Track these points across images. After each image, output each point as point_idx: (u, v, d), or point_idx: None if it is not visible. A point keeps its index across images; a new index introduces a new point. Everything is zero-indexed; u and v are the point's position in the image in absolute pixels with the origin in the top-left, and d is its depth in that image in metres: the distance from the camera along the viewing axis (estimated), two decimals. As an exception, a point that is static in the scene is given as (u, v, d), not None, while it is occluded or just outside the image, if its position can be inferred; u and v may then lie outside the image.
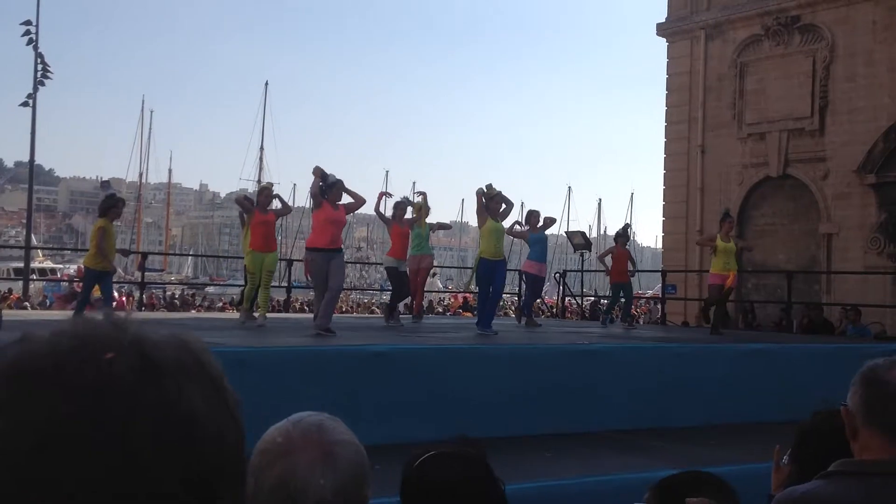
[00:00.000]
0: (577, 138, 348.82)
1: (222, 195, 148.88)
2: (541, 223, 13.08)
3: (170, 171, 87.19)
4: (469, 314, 20.78)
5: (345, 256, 10.59)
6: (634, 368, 8.65)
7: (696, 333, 14.01)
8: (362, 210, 11.39)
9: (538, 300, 17.98)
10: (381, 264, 17.05)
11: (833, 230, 19.30)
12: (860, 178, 18.67)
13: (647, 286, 55.39)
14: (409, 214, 12.59)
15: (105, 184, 10.60)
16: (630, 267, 14.18)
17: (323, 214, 9.83)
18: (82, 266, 11.02)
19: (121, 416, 0.67)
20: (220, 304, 28.56)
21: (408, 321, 12.31)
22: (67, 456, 0.65)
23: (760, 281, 20.49)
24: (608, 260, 13.89)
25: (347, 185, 10.01)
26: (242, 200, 11.22)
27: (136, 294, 21.45)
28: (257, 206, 10.89)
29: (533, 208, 13.34)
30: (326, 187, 9.87)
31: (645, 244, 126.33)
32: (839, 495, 2.19)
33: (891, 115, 18.19)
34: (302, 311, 21.23)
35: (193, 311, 21.53)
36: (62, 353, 0.69)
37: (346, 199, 10.06)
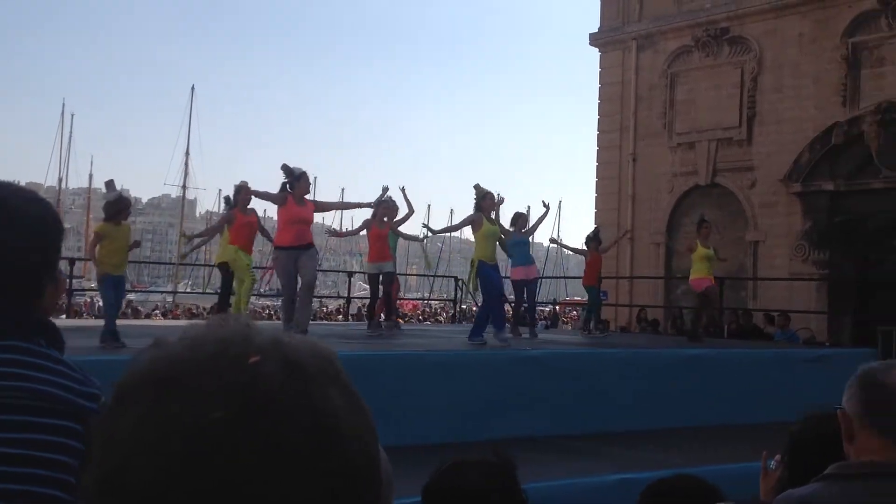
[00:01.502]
0: (506, 147, 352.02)
1: (144, 200, 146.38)
2: (526, 227, 12.60)
3: (90, 175, 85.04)
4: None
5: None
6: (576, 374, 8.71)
7: (629, 339, 14.16)
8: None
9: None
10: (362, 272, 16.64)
11: (760, 238, 19.73)
12: (786, 186, 19.12)
13: (576, 293, 56.14)
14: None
15: (110, 184, 9.70)
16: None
17: (286, 213, 9.34)
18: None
19: (272, 419, 0.64)
20: (153, 311, 28.06)
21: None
22: (219, 461, 0.62)
23: (689, 288, 20.81)
24: (576, 256, 13.80)
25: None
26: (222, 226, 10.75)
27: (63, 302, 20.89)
28: (237, 207, 10.46)
29: (520, 210, 12.72)
30: (294, 180, 9.34)
31: (570, 251, 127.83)
32: (838, 498, 2.19)
33: (816, 126, 18.68)
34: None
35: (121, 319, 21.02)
36: (204, 357, 0.67)
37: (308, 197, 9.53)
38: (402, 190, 11.83)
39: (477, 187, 10.46)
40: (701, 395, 9.27)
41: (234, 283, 10.52)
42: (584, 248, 13.91)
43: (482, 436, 7.14)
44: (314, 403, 0.67)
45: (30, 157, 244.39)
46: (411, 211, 11.64)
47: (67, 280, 15.51)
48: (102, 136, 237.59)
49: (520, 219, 12.45)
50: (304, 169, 9.43)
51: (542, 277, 13.63)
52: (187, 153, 72.84)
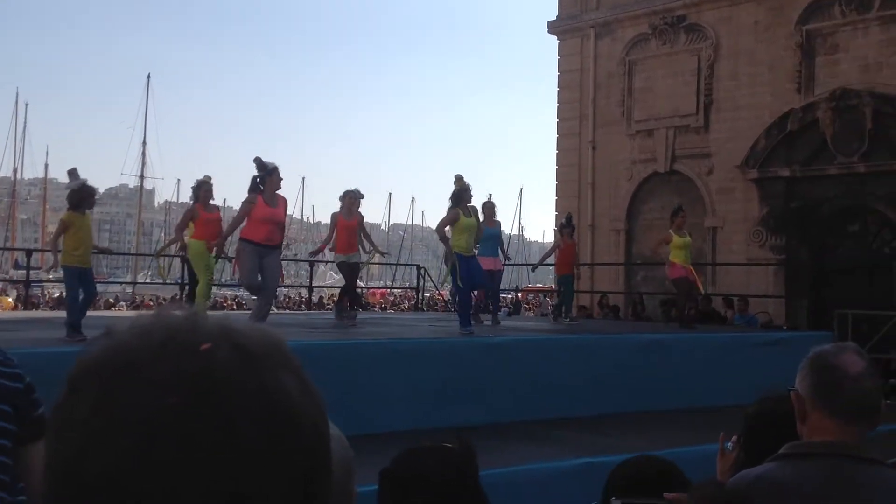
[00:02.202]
0: (467, 135, 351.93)
1: (101, 191, 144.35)
2: (496, 216, 12.61)
3: (46, 165, 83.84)
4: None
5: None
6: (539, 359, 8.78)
7: (591, 325, 14.28)
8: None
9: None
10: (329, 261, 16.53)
11: (718, 224, 19.95)
12: (743, 173, 19.34)
13: (536, 279, 56.36)
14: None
15: (73, 172, 9.35)
16: (577, 259, 14.04)
17: (258, 212, 8.97)
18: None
19: (227, 406, 0.65)
20: (111, 301, 27.76)
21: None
22: (175, 446, 0.63)
23: (648, 273, 21.02)
24: (552, 259, 13.81)
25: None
26: (186, 225, 10.65)
27: (17, 293, 20.65)
28: (199, 202, 10.29)
29: (488, 200, 12.69)
30: (266, 174, 9.00)
31: (533, 239, 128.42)
32: (792, 477, 2.25)
33: (772, 113, 18.90)
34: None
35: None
36: (155, 345, 0.67)
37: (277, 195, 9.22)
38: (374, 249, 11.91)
39: (458, 178, 10.41)
40: (660, 379, 9.39)
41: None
42: (558, 234, 13.89)
43: (445, 423, 7.18)
44: (266, 387, 0.67)
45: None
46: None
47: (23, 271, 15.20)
48: (58, 125, 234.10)
49: (487, 208, 12.44)
50: (276, 164, 9.13)
51: (506, 265, 13.74)
52: (144, 142, 72.19)
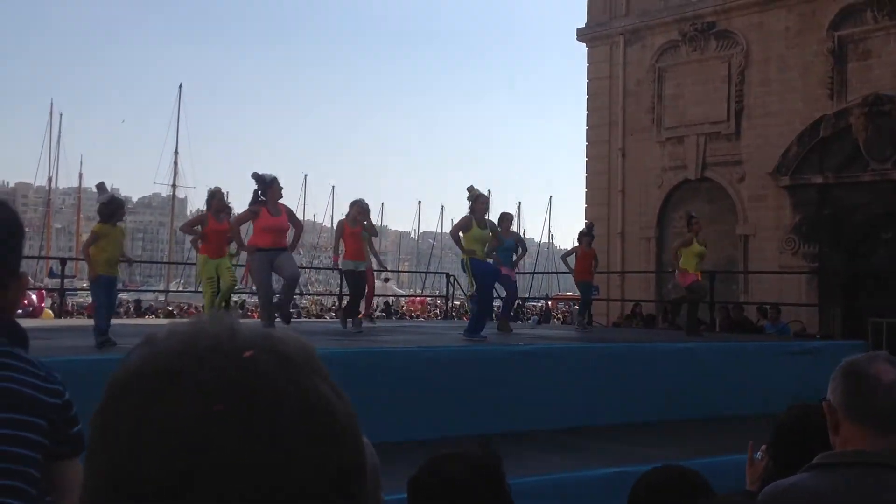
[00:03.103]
0: (497, 142, 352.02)
1: (134, 200, 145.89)
2: (512, 227, 12.75)
3: (80, 175, 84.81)
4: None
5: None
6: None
7: (620, 333, 14.21)
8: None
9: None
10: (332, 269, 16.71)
11: (749, 231, 19.80)
12: (775, 180, 19.19)
13: (566, 288, 56.18)
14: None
15: (101, 186, 9.83)
16: (594, 266, 14.19)
17: (262, 223, 9.48)
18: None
19: (272, 413, 0.66)
20: (152, 310, 28.03)
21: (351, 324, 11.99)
22: (223, 453, 0.64)
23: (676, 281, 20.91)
24: (571, 259, 13.96)
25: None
26: (192, 226, 10.92)
27: (51, 301, 20.86)
28: (210, 212, 10.58)
29: (506, 211, 12.88)
30: (265, 186, 9.46)
31: (562, 246, 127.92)
32: (825, 487, 2.23)
33: (804, 119, 18.75)
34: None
35: (115, 319, 21.02)
36: (199, 352, 0.68)
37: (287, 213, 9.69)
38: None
39: (470, 189, 10.46)
40: (690, 388, 9.32)
41: (220, 283, 10.57)
42: (576, 243, 14.04)
43: (471, 431, 7.17)
44: (308, 395, 0.69)
45: (19, 157, 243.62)
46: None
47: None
48: (92, 135, 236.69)
49: (504, 219, 12.56)
50: (274, 174, 9.58)
51: (535, 273, 14.14)
52: (176, 152, 72.79)
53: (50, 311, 23.34)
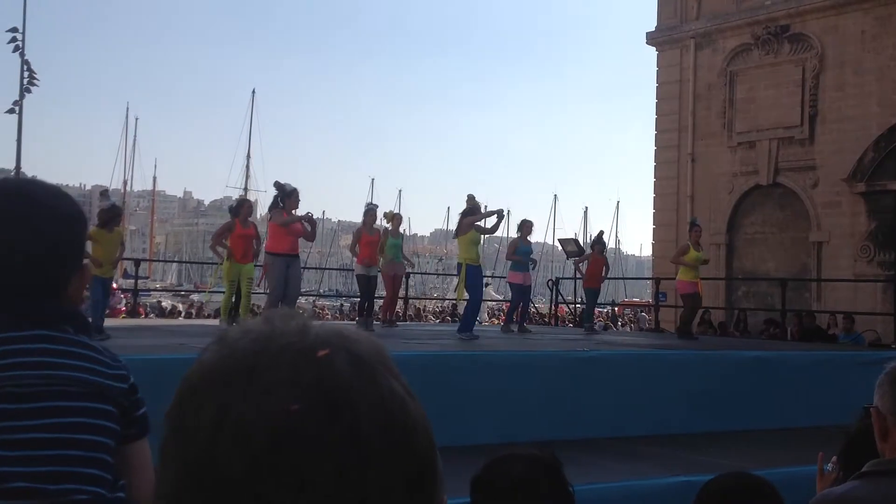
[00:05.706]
0: (563, 146, 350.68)
1: (206, 203, 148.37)
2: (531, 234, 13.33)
3: (154, 178, 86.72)
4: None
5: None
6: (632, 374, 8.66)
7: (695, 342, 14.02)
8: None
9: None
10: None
11: (823, 238, 19.40)
12: (850, 186, 18.78)
13: (633, 294, 55.69)
14: (380, 220, 12.85)
15: (105, 194, 10.94)
16: (604, 273, 14.48)
17: (282, 227, 10.40)
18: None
19: (348, 412, 0.67)
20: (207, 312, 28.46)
21: (377, 327, 12.18)
22: (301, 453, 0.64)
23: (751, 289, 20.58)
24: (583, 266, 14.26)
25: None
26: (221, 237, 11.34)
27: (126, 302, 21.34)
28: (238, 218, 11.08)
29: (526, 218, 13.32)
30: (285, 196, 10.33)
31: (629, 252, 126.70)
32: (875, 495, 2.19)
33: (880, 124, 18.32)
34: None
35: (180, 318, 21.51)
36: (273, 351, 0.69)
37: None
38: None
39: (470, 198, 11.28)
40: (760, 396, 9.16)
41: (242, 286, 11.08)
42: (589, 251, 14.27)
43: (535, 437, 7.15)
44: (383, 394, 0.69)
45: (96, 160, 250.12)
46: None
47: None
48: (166, 139, 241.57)
49: (524, 226, 13.07)
50: (294, 185, 10.55)
51: (607, 278, 14.52)
52: (248, 156, 73.82)
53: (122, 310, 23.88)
